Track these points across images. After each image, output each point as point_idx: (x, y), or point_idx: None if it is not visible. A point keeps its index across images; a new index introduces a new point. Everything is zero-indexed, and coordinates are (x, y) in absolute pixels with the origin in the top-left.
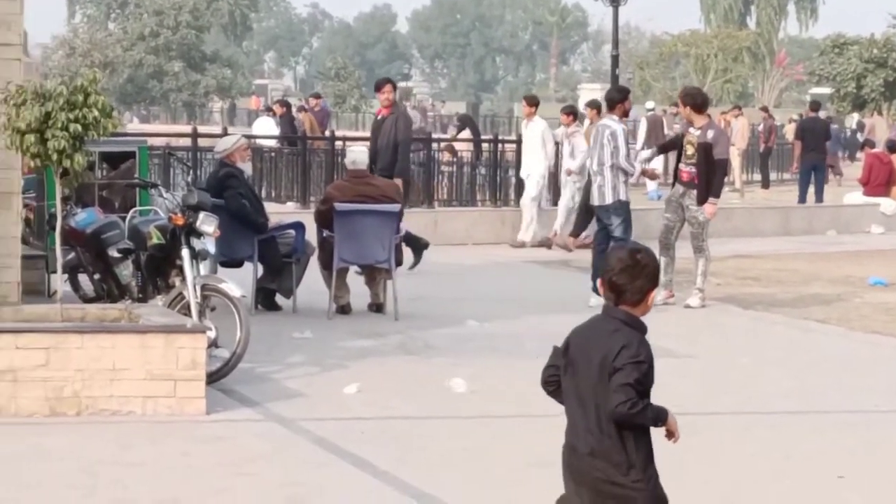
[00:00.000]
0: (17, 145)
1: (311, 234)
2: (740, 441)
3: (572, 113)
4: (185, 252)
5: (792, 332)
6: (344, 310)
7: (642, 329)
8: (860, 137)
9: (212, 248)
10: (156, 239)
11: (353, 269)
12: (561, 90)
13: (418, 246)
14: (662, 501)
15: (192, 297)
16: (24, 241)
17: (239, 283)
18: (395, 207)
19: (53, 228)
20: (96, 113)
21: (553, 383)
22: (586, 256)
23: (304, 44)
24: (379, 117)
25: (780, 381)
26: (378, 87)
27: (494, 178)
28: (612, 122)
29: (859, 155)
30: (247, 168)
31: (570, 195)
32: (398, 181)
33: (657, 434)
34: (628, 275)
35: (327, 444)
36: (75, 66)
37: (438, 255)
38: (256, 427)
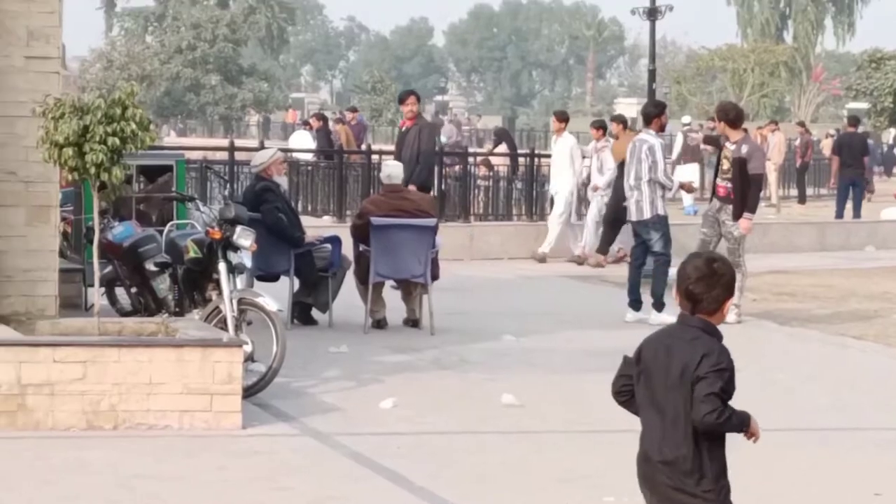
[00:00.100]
0: (55, 158)
1: (348, 248)
2: (775, 457)
3: (602, 127)
4: (221, 266)
5: (828, 349)
6: (380, 324)
7: (720, 337)
8: None
9: (248, 262)
10: (193, 252)
11: (389, 283)
12: (597, 104)
13: None
14: None
15: (229, 310)
16: (62, 255)
17: (275, 297)
18: (432, 222)
19: (91, 242)
20: (134, 126)
21: (625, 393)
22: (621, 271)
23: (340, 57)
24: (403, 129)
25: (816, 398)
26: (402, 100)
27: (530, 193)
28: (649, 136)
29: None
30: (283, 182)
31: (596, 209)
32: (412, 188)
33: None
34: (705, 284)
35: (363, 458)
36: (113, 79)
37: (474, 270)
38: (292, 441)
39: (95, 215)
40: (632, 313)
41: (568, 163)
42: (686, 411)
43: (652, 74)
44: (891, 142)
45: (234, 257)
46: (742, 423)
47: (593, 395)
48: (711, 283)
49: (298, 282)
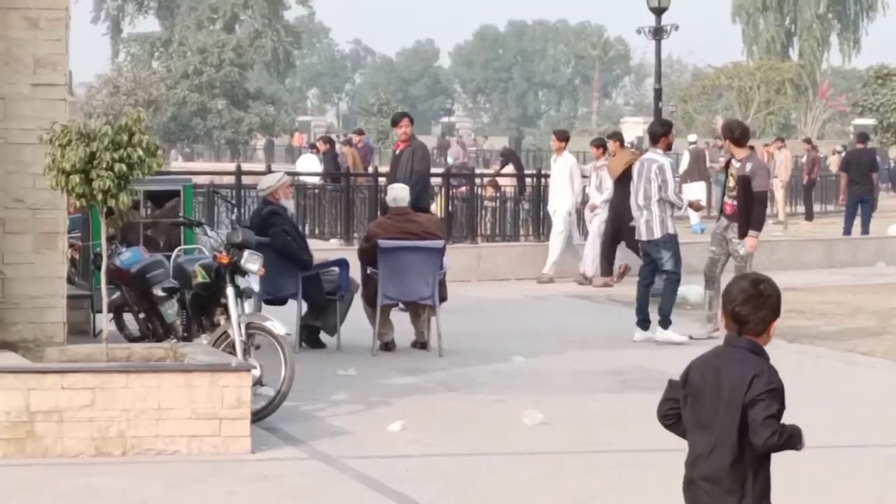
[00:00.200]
0: (62, 185)
1: (355, 271)
2: (783, 474)
3: (602, 146)
4: (229, 290)
5: (836, 365)
6: (388, 347)
7: (767, 357)
8: None
9: (256, 287)
10: (200, 277)
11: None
12: (603, 124)
13: None
14: None
15: (237, 335)
16: (70, 281)
17: (283, 320)
18: (439, 244)
19: (98, 268)
20: (141, 152)
21: (672, 417)
22: (628, 291)
23: (346, 80)
24: (397, 151)
25: (824, 415)
26: (395, 122)
27: (537, 214)
28: (657, 155)
29: None
30: (290, 205)
31: (596, 229)
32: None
33: None
34: (752, 305)
35: (372, 482)
36: (119, 105)
37: (482, 291)
38: (301, 465)
39: (103, 241)
40: (640, 333)
41: (567, 182)
42: (733, 431)
43: (658, 93)
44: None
45: (241, 282)
46: (798, 439)
47: (602, 415)
48: (758, 304)
49: (306, 305)
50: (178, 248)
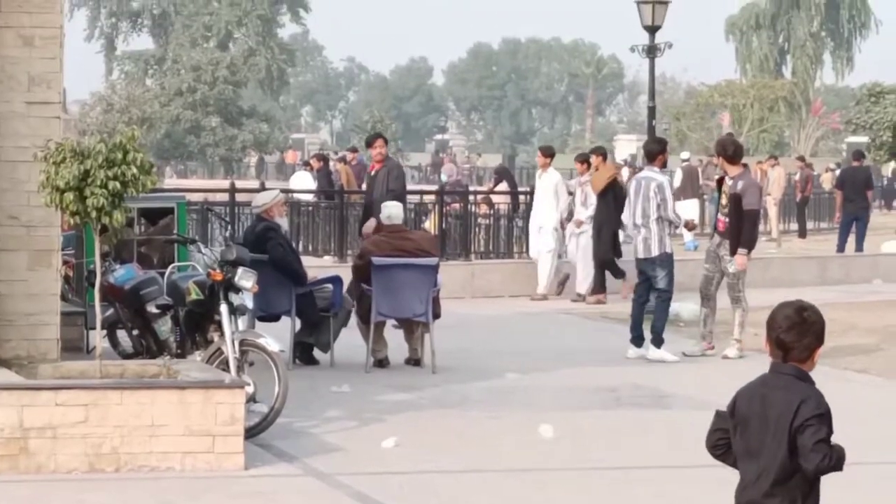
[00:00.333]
0: (56, 203)
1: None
2: None
3: (586, 161)
4: (223, 307)
5: (831, 383)
6: (381, 363)
7: (813, 382)
8: None
9: (250, 304)
10: (194, 294)
11: (391, 322)
12: (597, 141)
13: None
14: None
15: (231, 352)
16: (63, 298)
17: (277, 337)
18: (433, 261)
19: (92, 285)
20: (135, 170)
21: (721, 447)
22: (622, 308)
23: (340, 97)
24: (372, 172)
25: None
26: (369, 143)
27: (530, 231)
28: (655, 174)
29: None
30: (283, 223)
31: (584, 245)
32: (372, 220)
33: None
34: (796, 332)
35: (365, 498)
36: (113, 123)
37: (475, 308)
38: (295, 482)
39: (97, 258)
40: (633, 349)
41: (553, 198)
42: (781, 456)
43: (652, 111)
44: (890, 175)
45: (235, 299)
46: (842, 461)
47: (595, 432)
48: (802, 331)
49: (300, 322)
50: (172, 265)
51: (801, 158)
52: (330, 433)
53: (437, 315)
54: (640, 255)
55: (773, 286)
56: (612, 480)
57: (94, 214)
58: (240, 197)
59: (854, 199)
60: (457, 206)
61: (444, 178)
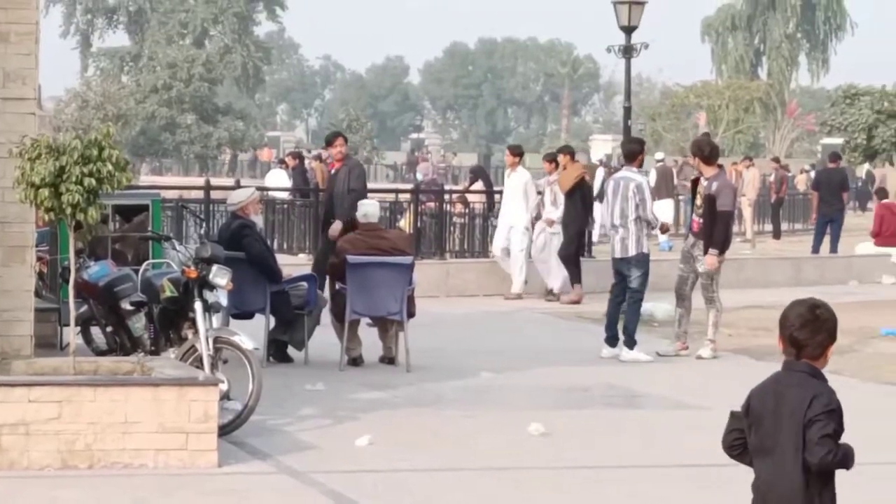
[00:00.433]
0: (31, 199)
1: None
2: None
3: (554, 160)
4: (197, 305)
5: None
6: (356, 362)
7: (825, 380)
8: (871, 188)
9: (224, 301)
10: (168, 292)
11: (365, 321)
12: (572, 141)
13: None
14: None
15: (205, 349)
16: (38, 294)
17: (251, 335)
18: (408, 260)
19: (66, 281)
20: (110, 167)
21: (737, 447)
22: (597, 307)
23: (316, 95)
24: (333, 171)
25: None
26: (329, 142)
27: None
28: (634, 174)
29: (870, 205)
30: (259, 221)
31: (556, 244)
32: (338, 223)
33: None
34: (809, 330)
35: (339, 496)
36: (88, 119)
37: (450, 307)
38: (268, 480)
39: (71, 255)
40: (607, 349)
41: (522, 197)
42: (795, 453)
43: (627, 111)
44: (864, 177)
45: (210, 296)
46: (853, 459)
47: (568, 431)
48: (815, 328)
49: (274, 320)
50: (147, 262)
51: (776, 160)
52: (304, 431)
53: (411, 314)
54: (617, 255)
55: (748, 287)
56: (585, 479)
57: (69, 211)
58: (215, 194)
59: (829, 201)
60: (432, 204)
61: (419, 176)
